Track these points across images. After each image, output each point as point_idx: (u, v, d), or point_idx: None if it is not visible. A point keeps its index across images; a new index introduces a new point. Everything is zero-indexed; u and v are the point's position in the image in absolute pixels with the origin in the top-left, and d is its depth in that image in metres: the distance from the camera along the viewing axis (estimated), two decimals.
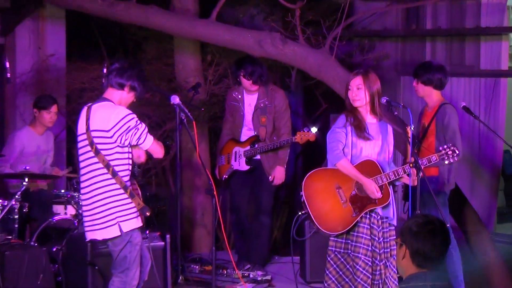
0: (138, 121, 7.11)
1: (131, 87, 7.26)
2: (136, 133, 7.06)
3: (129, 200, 7.10)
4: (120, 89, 7.25)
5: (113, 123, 7.04)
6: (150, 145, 7.17)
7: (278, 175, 9.83)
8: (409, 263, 4.94)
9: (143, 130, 7.11)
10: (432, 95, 9.01)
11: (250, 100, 9.93)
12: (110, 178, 7.08)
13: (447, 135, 8.76)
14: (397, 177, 7.57)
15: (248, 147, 9.85)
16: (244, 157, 9.86)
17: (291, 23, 10.27)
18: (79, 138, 7.23)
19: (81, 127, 7.22)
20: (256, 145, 9.80)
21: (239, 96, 9.97)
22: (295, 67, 10.89)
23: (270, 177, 9.83)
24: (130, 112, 7.13)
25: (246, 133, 9.94)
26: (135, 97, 7.36)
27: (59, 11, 11.50)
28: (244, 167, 9.89)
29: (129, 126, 7.04)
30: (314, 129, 9.45)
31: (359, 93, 7.56)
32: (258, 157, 9.87)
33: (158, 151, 7.25)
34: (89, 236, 7.28)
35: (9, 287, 7.60)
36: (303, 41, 10.02)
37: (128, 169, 7.18)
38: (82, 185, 7.26)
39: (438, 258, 4.92)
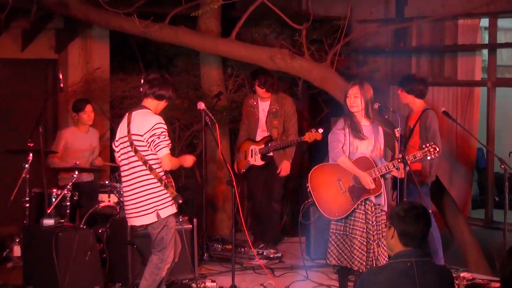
0: (164, 133, 7.06)
1: (167, 97, 7.29)
2: (155, 140, 7.02)
3: (165, 191, 7.11)
4: (158, 100, 7.26)
5: (145, 129, 7.05)
6: (163, 155, 7.05)
7: (284, 168, 9.86)
8: (396, 242, 4.93)
9: (162, 141, 7.03)
10: (415, 102, 9.02)
11: (263, 106, 9.96)
12: (148, 173, 7.09)
13: (429, 135, 8.76)
14: (388, 171, 7.58)
15: (263, 146, 9.87)
16: (259, 154, 9.88)
17: (298, 41, 10.28)
18: (122, 140, 7.24)
19: (123, 130, 7.24)
20: (270, 144, 9.83)
21: (255, 103, 10.00)
22: (302, 78, 10.88)
23: (278, 169, 9.87)
24: (161, 121, 7.10)
25: (261, 133, 9.97)
26: (167, 103, 7.39)
27: (104, 31, 11.53)
28: (259, 162, 9.92)
29: (154, 133, 7.02)
30: (320, 130, 9.48)
31: (356, 100, 7.57)
32: (271, 154, 9.90)
33: (166, 164, 7.08)
34: (130, 222, 7.30)
35: (62, 262, 7.62)
36: (308, 56, 10.02)
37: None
38: (123, 179, 7.25)
39: (421, 238, 4.91)
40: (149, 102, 7.26)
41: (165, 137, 7.06)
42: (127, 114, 7.32)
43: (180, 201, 7.16)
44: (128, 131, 7.14)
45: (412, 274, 4.81)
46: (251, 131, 10.04)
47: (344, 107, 7.68)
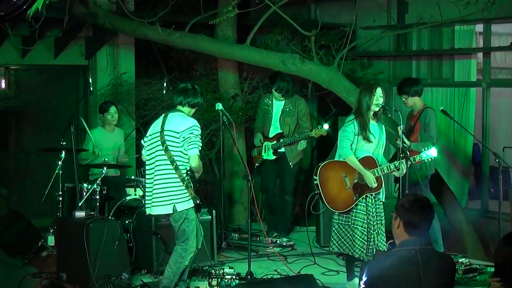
0: (199, 135, 7.15)
1: (199, 104, 7.42)
2: (190, 138, 7.08)
3: (184, 189, 7.11)
4: (192, 107, 7.36)
5: (183, 128, 7.12)
6: (193, 154, 7.10)
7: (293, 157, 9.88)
8: (402, 231, 4.90)
9: (197, 141, 7.11)
10: (417, 103, 8.99)
11: (278, 105, 9.96)
12: (173, 172, 7.11)
13: (427, 131, 8.71)
14: (390, 171, 7.58)
15: (275, 142, 9.85)
16: (272, 149, 9.86)
17: (307, 47, 10.22)
18: (154, 136, 7.30)
19: (156, 128, 7.30)
20: (282, 140, 9.81)
21: (270, 102, 10.02)
22: (311, 80, 10.83)
23: (290, 163, 9.83)
24: (198, 125, 7.21)
25: (274, 130, 9.96)
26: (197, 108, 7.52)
27: (130, 39, 11.51)
28: (272, 156, 9.90)
29: (192, 133, 7.10)
30: (326, 126, 9.48)
31: (381, 99, 7.53)
32: (283, 149, 9.87)
33: (194, 161, 7.12)
34: (148, 211, 7.36)
35: (92, 251, 7.61)
36: (317, 60, 9.96)
37: (187, 165, 7.19)
38: (148, 172, 7.31)
39: (424, 228, 4.88)
40: (184, 109, 7.34)
41: (199, 139, 7.16)
42: (163, 115, 7.40)
43: (198, 202, 7.16)
44: (162, 129, 7.19)
45: (416, 261, 4.78)
46: (265, 128, 10.03)
47: (361, 106, 7.54)
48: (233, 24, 10.94)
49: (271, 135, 9.97)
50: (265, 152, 9.94)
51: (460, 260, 8.17)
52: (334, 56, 10.11)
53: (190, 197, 7.12)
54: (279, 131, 9.91)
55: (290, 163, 9.86)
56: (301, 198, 11.49)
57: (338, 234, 7.58)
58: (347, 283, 7.73)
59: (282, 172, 10.03)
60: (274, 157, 9.92)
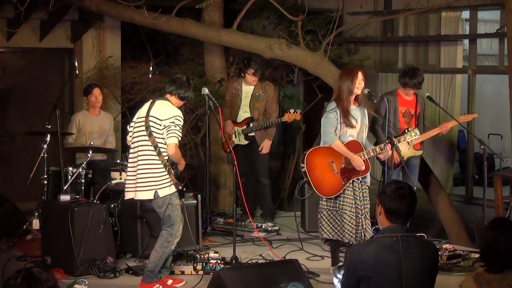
0: (180, 126, 7.15)
1: (184, 97, 7.38)
2: (171, 127, 7.09)
3: (166, 174, 7.13)
4: (180, 100, 7.37)
5: (166, 116, 7.12)
6: (171, 142, 7.09)
7: (265, 146, 9.89)
8: (384, 218, 4.94)
9: (177, 131, 7.11)
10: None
11: (247, 89, 9.93)
12: (156, 157, 7.12)
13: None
14: (376, 153, 7.58)
15: (245, 126, 9.86)
16: (242, 134, 9.88)
17: (294, 32, 10.24)
18: (139, 120, 7.30)
19: (142, 113, 7.31)
20: (251, 124, 9.83)
21: (238, 86, 9.99)
22: (297, 65, 10.84)
23: (260, 147, 9.85)
24: (181, 116, 7.20)
25: (242, 115, 9.96)
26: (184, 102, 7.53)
27: (116, 22, 11.47)
28: (244, 141, 9.95)
29: (173, 122, 7.10)
30: (298, 111, 9.47)
31: (362, 82, 7.53)
32: (253, 133, 9.89)
33: (171, 150, 7.11)
34: (127, 195, 7.35)
35: (77, 235, 7.61)
36: (303, 45, 9.98)
37: None
38: (131, 155, 7.32)
39: (406, 215, 4.92)
40: (173, 99, 7.35)
41: (180, 129, 7.15)
42: (150, 101, 7.40)
43: (180, 188, 7.19)
44: (147, 115, 7.20)
45: (397, 248, 4.82)
46: (233, 113, 10.02)
47: (341, 92, 7.53)
48: (220, 9, 10.93)
49: (239, 120, 9.97)
50: (236, 138, 9.95)
51: (444, 246, 8.21)
52: (320, 41, 10.13)
53: (172, 183, 7.15)
54: (248, 115, 9.91)
55: (261, 147, 9.89)
56: (287, 183, 11.54)
57: (326, 220, 7.57)
58: (332, 268, 7.76)
59: (254, 156, 10.02)
60: (247, 141, 9.94)
